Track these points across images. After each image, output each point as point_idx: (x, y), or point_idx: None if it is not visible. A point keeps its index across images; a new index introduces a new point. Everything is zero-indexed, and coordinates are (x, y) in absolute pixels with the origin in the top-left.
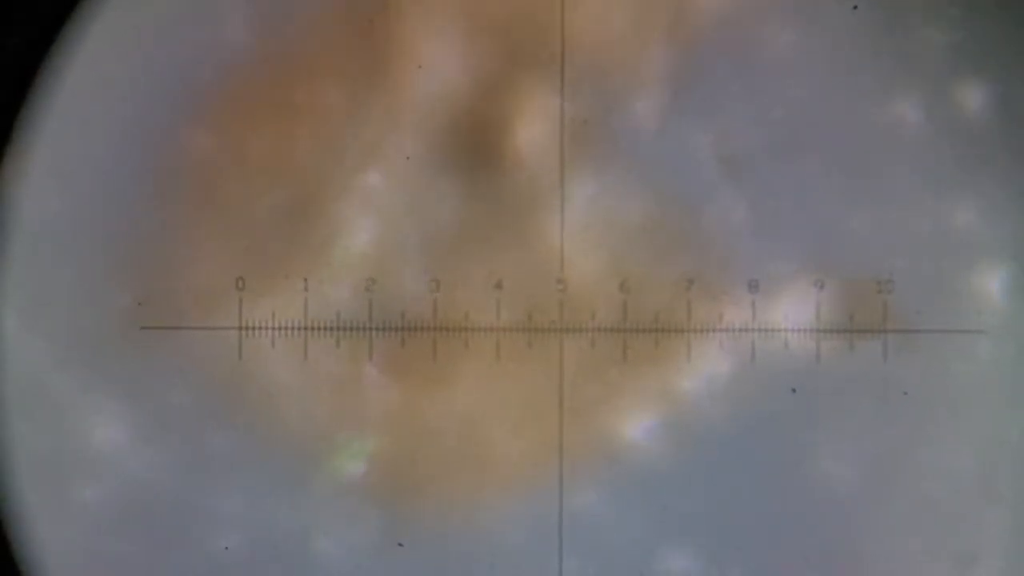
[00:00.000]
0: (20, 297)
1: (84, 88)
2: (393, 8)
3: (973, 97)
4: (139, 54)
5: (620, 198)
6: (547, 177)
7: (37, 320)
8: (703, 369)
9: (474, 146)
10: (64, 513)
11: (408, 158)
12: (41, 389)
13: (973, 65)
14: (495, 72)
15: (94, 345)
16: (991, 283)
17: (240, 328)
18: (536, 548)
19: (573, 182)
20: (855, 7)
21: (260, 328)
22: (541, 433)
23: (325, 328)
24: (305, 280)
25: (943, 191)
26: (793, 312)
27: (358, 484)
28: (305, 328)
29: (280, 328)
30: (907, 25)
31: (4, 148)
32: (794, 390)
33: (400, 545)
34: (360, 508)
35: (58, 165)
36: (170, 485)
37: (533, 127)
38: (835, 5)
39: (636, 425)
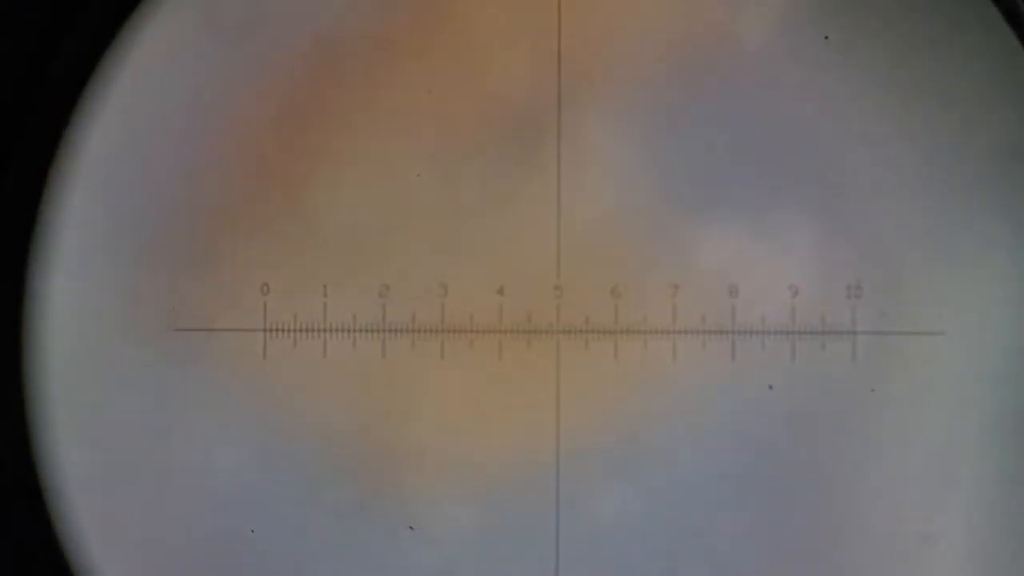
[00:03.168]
0: (65, 298)
1: (126, 108)
2: (406, 35)
3: (937, 114)
4: (175, 80)
5: (612, 211)
6: (545, 192)
7: (79, 324)
8: (688, 368)
9: (479, 164)
10: (103, 493)
11: (419, 175)
12: (83, 383)
13: (935, 84)
14: (498, 100)
15: (133, 344)
16: (952, 289)
17: (265, 330)
18: (534, 521)
19: (568, 196)
20: (826, 37)
21: (283, 330)
22: (540, 426)
23: (342, 330)
24: (324, 286)
25: (908, 204)
26: (770, 315)
27: (373, 471)
28: (324, 330)
29: (301, 330)
30: (874, 49)
31: (51, 163)
32: (771, 387)
33: (411, 528)
34: (375, 493)
35: (102, 183)
36: (202, 470)
37: (532, 146)
38: (809, 32)
39: (626, 419)
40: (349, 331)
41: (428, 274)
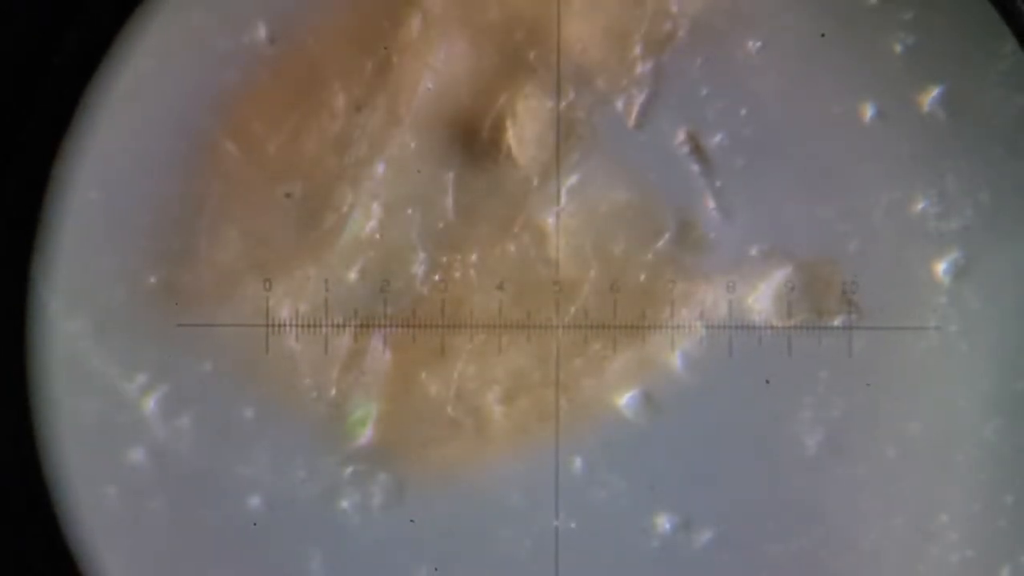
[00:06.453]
0: (67, 294)
1: (128, 105)
2: (406, 33)
3: (934, 111)
4: (177, 76)
5: (611, 206)
6: (545, 191)
7: (81, 321)
8: (686, 363)
9: (479, 159)
10: (105, 491)
11: (419, 171)
12: (84, 381)
13: (933, 82)
14: (497, 99)
15: (135, 341)
16: (947, 284)
17: (267, 325)
18: (534, 513)
19: (569, 195)
20: (823, 35)
21: (285, 325)
22: (539, 421)
23: (344, 325)
24: (326, 281)
25: (906, 199)
26: (767, 311)
27: (374, 466)
28: (326, 325)
29: (303, 325)
30: (867, 35)
31: (53, 160)
32: (768, 381)
33: (412, 521)
34: (377, 487)
35: (103, 180)
36: (203, 467)
37: (533, 148)
38: (799, 24)
39: (626, 414)
40: (350, 326)
41: (429, 269)
